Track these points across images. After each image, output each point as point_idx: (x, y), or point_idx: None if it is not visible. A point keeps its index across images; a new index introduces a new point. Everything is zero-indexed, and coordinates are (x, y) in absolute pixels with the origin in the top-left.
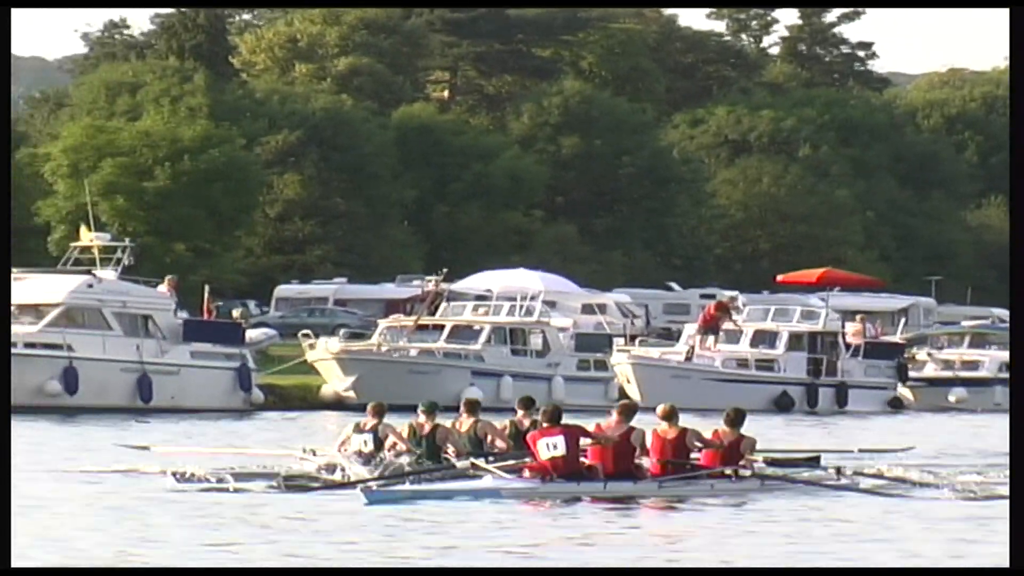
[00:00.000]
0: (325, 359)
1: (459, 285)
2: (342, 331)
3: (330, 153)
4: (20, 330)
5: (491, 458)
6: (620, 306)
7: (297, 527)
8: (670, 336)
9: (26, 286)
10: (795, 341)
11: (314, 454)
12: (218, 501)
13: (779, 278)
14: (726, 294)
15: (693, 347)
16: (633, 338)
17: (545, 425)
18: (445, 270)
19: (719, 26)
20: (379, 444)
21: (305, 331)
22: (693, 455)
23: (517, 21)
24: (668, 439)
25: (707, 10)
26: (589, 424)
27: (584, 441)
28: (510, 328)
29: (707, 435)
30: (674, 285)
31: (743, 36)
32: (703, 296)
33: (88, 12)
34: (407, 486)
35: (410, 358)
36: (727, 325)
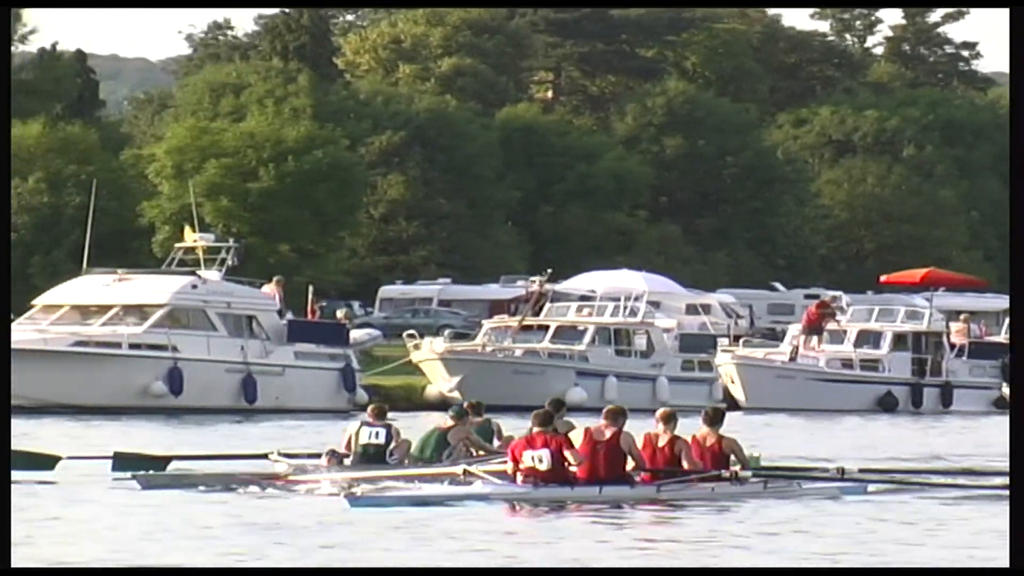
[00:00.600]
0: (430, 359)
1: (563, 286)
2: (446, 331)
3: (434, 154)
4: (125, 331)
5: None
6: (724, 306)
7: (286, 527)
8: (774, 336)
9: (131, 287)
10: (899, 341)
11: (287, 457)
12: (198, 501)
13: (883, 278)
14: (830, 294)
15: (797, 347)
16: (737, 338)
17: (536, 430)
18: (549, 271)
19: (823, 26)
20: (389, 439)
21: (409, 331)
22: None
23: (621, 21)
24: (664, 444)
25: (811, 10)
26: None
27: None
28: (614, 329)
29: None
30: (778, 285)
31: (847, 36)
32: (807, 296)
33: (192, 13)
34: (391, 491)
35: (515, 358)
36: (831, 325)
